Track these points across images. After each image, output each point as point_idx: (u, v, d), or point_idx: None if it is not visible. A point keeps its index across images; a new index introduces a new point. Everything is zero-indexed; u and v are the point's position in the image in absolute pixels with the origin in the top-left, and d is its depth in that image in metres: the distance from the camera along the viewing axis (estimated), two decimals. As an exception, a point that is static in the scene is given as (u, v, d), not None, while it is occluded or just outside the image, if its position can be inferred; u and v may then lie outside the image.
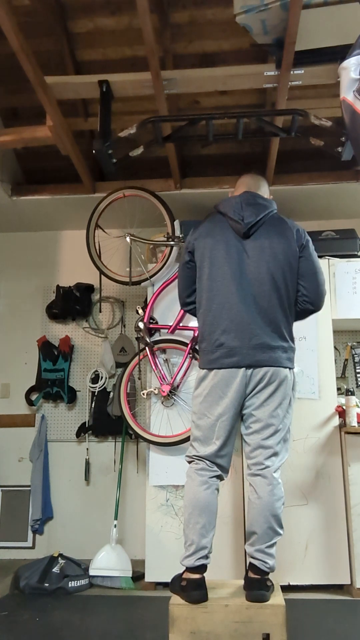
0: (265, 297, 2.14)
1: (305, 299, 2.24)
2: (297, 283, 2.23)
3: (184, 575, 2.00)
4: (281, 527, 2.05)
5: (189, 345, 3.06)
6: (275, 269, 2.16)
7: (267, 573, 2.00)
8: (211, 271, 2.21)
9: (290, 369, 2.15)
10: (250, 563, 2.04)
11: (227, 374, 2.09)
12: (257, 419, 2.09)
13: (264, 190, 2.39)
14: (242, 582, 2.05)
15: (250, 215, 2.21)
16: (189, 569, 1.99)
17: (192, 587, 1.95)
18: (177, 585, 2.00)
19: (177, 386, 3.10)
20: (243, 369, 2.08)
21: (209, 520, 2.03)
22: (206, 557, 2.01)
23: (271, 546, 2.02)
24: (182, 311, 3.05)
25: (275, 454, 2.08)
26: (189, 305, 2.39)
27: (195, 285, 2.31)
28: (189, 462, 2.16)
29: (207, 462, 2.10)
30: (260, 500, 2.04)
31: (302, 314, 2.30)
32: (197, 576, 1.97)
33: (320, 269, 2.29)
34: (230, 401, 2.09)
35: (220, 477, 2.12)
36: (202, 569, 2.00)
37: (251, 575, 2.00)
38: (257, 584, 1.97)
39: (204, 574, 2.00)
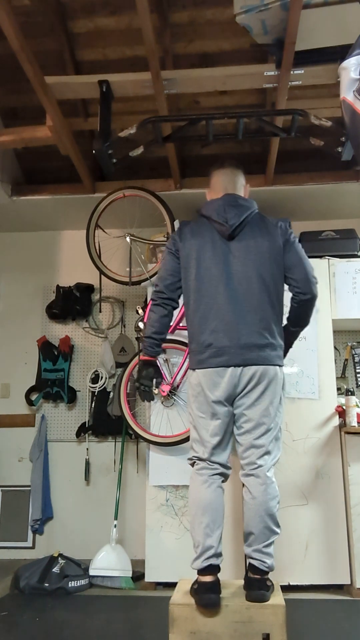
0: (254, 296, 2.14)
1: (297, 290, 2.23)
2: (285, 277, 2.24)
3: (197, 578, 1.98)
4: (278, 525, 2.04)
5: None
6: (263, 268, 2.18)
7: (267, 573, 1.99)
8: (198, 272, 2.21)
9: (280, 366, 2.15)
10: (249, 563, 2.03)
11: (216, 373, 2.10)
12: (249, 418, 2.09)
13: (241, 183, 2.36)
14: (242, 582, 2.05)
15: (233, 216, 2.21)
16: (199, 572, 1.97)
17: (202, 590, 1.93)
18: (192, 588, 1.98)
19: (177, 386, 3.10)
20: (232, 368, 2.08)
21: (213, 519, 2.01)
22: (215, 556, 1.97)
23: (269, 545, 2.01)
24: (182, 311, 3.05)
25: (267, 453, 2.08)
26: (170, 300, 2.28)
27: (176, 277, 2.27)
28: (192, 465, 2.16)
29: (207, 462, 2.10)
30: (255, 500, 2.03)
31: (300, 307, 2.26)
32: (208, 578, 1.95)
33: (306, 258, 2.29)
34: (221, 400, 2.09)
35: (223, 475, 2.11)
36: (212, 569, 1.96)
37: (251, 575, 2.00)
38: (257, 584, 1.96)
39: (217, 576, 1.97)
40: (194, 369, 2.18)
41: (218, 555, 1.99)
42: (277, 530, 2.03)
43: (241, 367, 2.08)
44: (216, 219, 2.23)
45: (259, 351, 2.09)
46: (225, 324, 2.12)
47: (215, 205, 2.27)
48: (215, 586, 1.94)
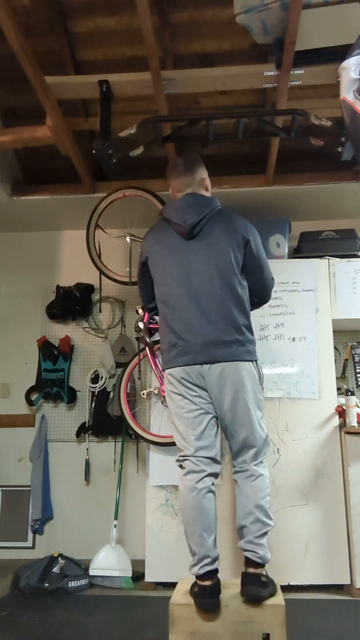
0: (217, 294, 2.16)
1: (252, 293, 2.30)
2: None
3: (197, 581, 1.98)
4: (269, 517, 2.03)
5: (189, 345, 3.06)
6: (223, 265, 2.19)
7: (261, 565, 1.98)
8: (162, 277, 2.27)
9: (251, 361, 2.16)
10: (244, 557, 2.03)
11: (183, 371, 2.12)
12: (231, 420, 2.10)
13: (198, 179, 2.36)
14: (242, 581, 2.05)
15: (191, 216, 2.23)
16: (197, 577, 1.98)
17: (202, 594, 1.93)
18: (192, 590, 1.99)
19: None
20: (199, 366, 2.11)
21: (205, 527, 2.00)
22: (211, 563, 1.97)
23: (260, 537, 2.00)
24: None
25: (257, 452, 2.09)
26: (152, 310, 2.52)
27: (154, 292, 2.38)
28: (179, 467, 2.15)
29: (193, 459, 2.08)
30: (242, 494, 2.05)
31: (251, 307, 2.35)
32: (207, 583, 1.95)
33: (266, 264, 2.34)
34: (194, 395, 2.12)
35: (212, 475, 2.09)
36: (210, 574, 1.96)
37: (245, 570, 1.99)
38: (250, 579, 1.95)
39: (217, 578, 1.97)
40: (164, 370, 2.23)
41: (214, 560, 1.99)
42: (269, 522, 2.03)
43: (208, 365, 2.10)
44: (175, 221, 2.26)
45: (225, 347, 2.10)
46: (188, 324, 2.15)
47: (175, 207, 2.30)
48: (215, 590, 1.94)
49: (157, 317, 3.21)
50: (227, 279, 2.18)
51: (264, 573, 1.99)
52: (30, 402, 3.79)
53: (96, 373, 3.73)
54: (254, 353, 2.19)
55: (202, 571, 1.96)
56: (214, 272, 2.18)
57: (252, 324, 2.24)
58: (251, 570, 1.98)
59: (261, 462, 2.10)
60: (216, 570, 1.99)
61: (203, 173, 2.40)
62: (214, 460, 2.11)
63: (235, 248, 2.22)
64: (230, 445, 2.15)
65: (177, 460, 2.16)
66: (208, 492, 2.05)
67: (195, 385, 2.12)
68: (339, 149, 2.65)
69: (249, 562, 1.99)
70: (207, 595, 1.92)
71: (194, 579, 2.01)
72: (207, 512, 2.03)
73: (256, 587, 1.92)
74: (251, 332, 2.21)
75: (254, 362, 2.17)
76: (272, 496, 2.13)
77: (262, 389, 2.21)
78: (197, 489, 2.04)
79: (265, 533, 2.02)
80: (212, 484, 2.09)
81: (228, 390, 2.09)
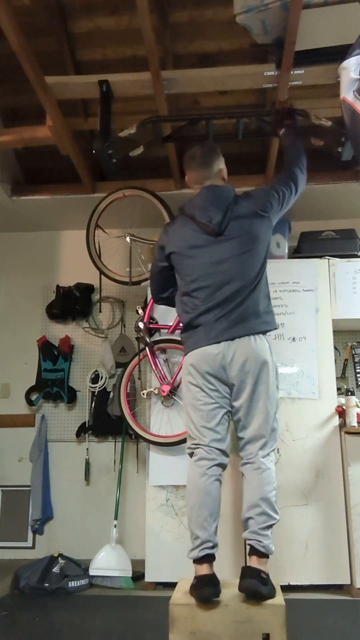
0: (244, 288, 2.18)
1: None
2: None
3: (195, 573, 1.99)
4: (275, 511, 2.04)
5: (189, 345, 3.05)
6: (250, 258, 2.22)
7: (263, 555, 1.98)
8: (189, 271, 2.27)
9: (264, 333, 2.18)
10: (248, 547, 2.04)
11: (205, 363, 2.15)
12: (246, 411, 2.12)
13: (216, 170, 2.36)
14: (242, 581, 2.05)
15: (216, 214, 2.23)
16: (196, 561, 1.99)
17: (201, 584, 1.94)
18: (191, 586, 1.99)
19: (177, 386, 3.10)
20: (220, 358, 2.13)
21: (210, 512, 2.04)
22: (211, 547, 2.00)
23: (265, 528, 2.01)
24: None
25: (266, 443, 2.11)
26: (161, 300, 2.55)
27: (168, 283, 2.42)
28: (190, 455, 2.18)
29: (205, 448, 2.11)
30: (249, 485, 2.07)
31: None
32: (205, 570, 1.96)
33: (287, 188, 2.40)
34: (212, 389, 2.14)
35: (221, 466, 2.13)
36: (208, 558, 1.98)
37: (246, 564, 2.00)
38: (250, 572, 1.94)
39: (213, 569, 1.99)
40: (185, 354, 2.27)
41: (214, 546, 2.03)
42: (275, 515, 2.04)
43: (231, 353, 2.12)
44: (200, 219, 2.26)
45: (244, 324, 2.15)
46: (211, 321, 2.17)
47: (196, 204, 2.30)
48: (213, 579, 1.95)
49: (157, 317, 3.23)
50: (255, 273, 2.21)
51: (265, 571, 1.98)
52: (30, 402, 3.79)
53: (96, 373, 3.73)
54: (272, 322, 2.23)
55: (201, 553, 1.98)
56: (243, 267, 2.21)
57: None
58: (253, 563, 1.98)
59: (268, 455, 2.12)
60: (214, 557, 2.01)
61: (221, 164, 2.40)
62: (223, 452, 2.15)
63: (261, 230, 2.26)
64: (240, 437, 2.16)
65: (189, 448, 2.19)
66: (216, 480, 2.10)
67: (216, 378, 2.14)
68: (339, 149, 2.65)
69: (252, 551, 2.00)
70: (205, 584, 1.93)
71: (193, 579, 2.01)
72: (214, 497, 2.07)
73: (255, 581, 1.91)
74: (267, 308, 2.25)
75: (266, 335, 2.19)
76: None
77: (278, 386, 2.23)
78: (207, 474, 2.08)
79: (271, 526, 2.03)
80: (220, 474, 2.13)
81: (249, 382, 2.11)
